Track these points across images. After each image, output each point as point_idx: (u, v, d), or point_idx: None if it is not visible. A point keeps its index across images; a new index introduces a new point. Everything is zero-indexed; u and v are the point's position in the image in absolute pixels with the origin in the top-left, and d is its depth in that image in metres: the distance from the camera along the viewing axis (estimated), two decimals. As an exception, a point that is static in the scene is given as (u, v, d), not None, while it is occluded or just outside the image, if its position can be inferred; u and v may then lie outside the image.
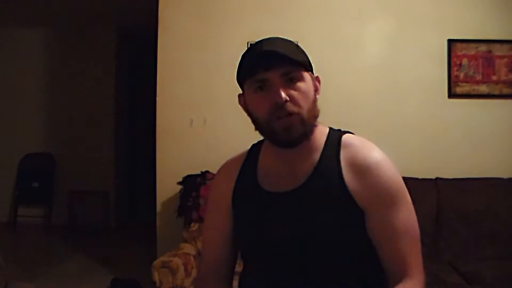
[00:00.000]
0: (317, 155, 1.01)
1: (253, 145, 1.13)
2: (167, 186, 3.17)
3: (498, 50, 3.20)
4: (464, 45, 3.20)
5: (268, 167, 1.05)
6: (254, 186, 1.05)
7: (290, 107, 0.94)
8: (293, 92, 0.95)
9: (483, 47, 3.20)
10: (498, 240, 2.80)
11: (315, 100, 1.00)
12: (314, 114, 0.99)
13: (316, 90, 1.02)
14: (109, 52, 5.40)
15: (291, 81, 0.96)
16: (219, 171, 1.16)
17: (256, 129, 1.02)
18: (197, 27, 3.27)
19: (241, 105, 1.06)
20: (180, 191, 3.02)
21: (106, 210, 5.25)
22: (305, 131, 0.97)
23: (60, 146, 5.38)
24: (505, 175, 3.02)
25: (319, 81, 1.04)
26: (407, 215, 0.96)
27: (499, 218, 2.83)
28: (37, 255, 4.21)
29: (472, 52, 3.21)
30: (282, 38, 1.02)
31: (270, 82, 0.95)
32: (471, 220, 2.84)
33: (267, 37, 1.03)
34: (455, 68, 3.21)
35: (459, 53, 3.21)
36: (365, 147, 1.00)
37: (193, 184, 2.96)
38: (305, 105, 0.96)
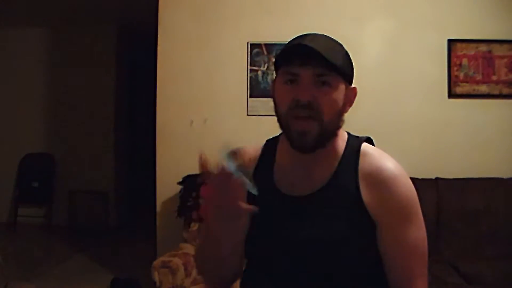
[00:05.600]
0: (335, 162, 1.00)
1: (268, 141, 1.11)
2: (167, 186, 3.17)
3: (498, 50, 3.20)
4: (464, 45, 3.21)
5: (284, 168, 1.04)
6: (271, 187, 1.03)
7: (311, 110, 0.93)
8: (320, 96, 0.93)
9: (483, 47, 3.20)
10: (498, 240, 2.80)
11: (341, 112, 0.98)
12: (336, 125, 0.97)
13: (348, 102, 0.99)
14: (109, 52, 5.40)
15: (322, 84, 0.93)
16: None
17: (278, 121, 1.00)
18: (197, 27, 3.27)
19: (272, 90, 1.03)
20: (180, 191, 3.02)
21: (106, 210, 5.25)
22: (321, 140, 0.95)
23: (60, 146, 5.38)
24: (505, 175, 3.03)
25: (355, 94, 1.01)
26: (418, 232, 0.96)
27: (499, 218, 2.84)
28: (37, 255, 4.21)
29: (472, 52, 3.21)
30: (333, 40, 1.00)
31: (301, 78, 0.94)
32: (471, 220, 2.84)
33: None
34: (455, 68, 3.21)
35: (459, 53, 3.21)
36: (382, 159, 0.99)
37: (193, 184, 2.96)
38: (328, 113, 0.94)
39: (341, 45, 1.00)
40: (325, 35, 1.00)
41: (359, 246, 0.94)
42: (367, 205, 0.95)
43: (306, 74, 0.93)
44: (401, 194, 0.95)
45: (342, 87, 0.96)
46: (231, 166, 0.85)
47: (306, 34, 0.98)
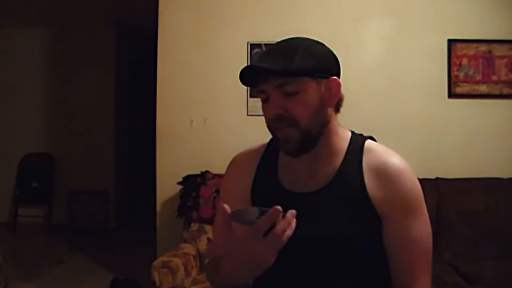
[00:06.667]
0: (339, 159, 1.00)
1: (272, 139, 1.11)
2: (167, 186, 3.17)
3: (498, 50, 3.20)
4: (464, 45, 3.21)
5: (288, 165, 1.04)
6: (275, 184, 1.04)
7: (284, 121, 0.94)
8: (289, 105, 0.94)
9: (483, 47, 3.20)
10: (498, 240, 2.80)
11: (321, 109, 0.97)
12: (319, 123, 0.97)
13: (331, 96, 0.98)
14: (109, 52, 5.40)
15: (288, 93, 0.94)
16: (234, 161, 1.14)
17: None
18: (197, 27, 3.27)
19: None
20: (180, 191, 3.02)
21: (106, 210, 5.25)
22: (306, 144, 0.96)
23: (60, 146, 5.38)
24: (505, 175, 3.03)
25: (336, 85, 0.99)
26: (422, 227, 0.96)
27: (499, 218, 2.83)
28: (37, 255, 4.21)
29: (472, 52, 3.21)
30: (292, 42, 0.98)
31: (268, 94, 0.96)
32: (471, 220, 2.84)
33: (278, 40, 1.00)
34: (455, 68, 3.21)
35: (459, 53, 3.21)
36: (387, 154, 1.00)
37: (193, 184, 2.96)
38: (303, 118, 0.94)
39: (305, 44, 0.97)
40: (285, 40, 0.99)
41: (364, 241, 0.95)
42: (373, 199, 0.95)
43: (270, 88, 0.95)
44: (407, 189, 0.96)
45: (312, 86, 0.95)
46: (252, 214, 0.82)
47: (265, 51, 0.99)
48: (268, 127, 0.99)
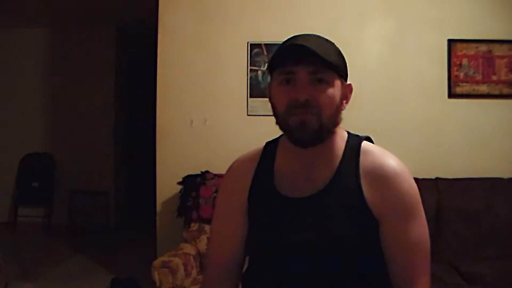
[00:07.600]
0: (336, 161, 1.00)
1: (268, 143, 1.10)
2: (167, 186, 3.17)
3: (498, 50, 3.20)
4: (464, 45, 3.20)
5: (285, 170, 1.03)
6: (271, 190, 1.02)
7: (310, 108, 0.93)
8: (317, 93, 0.93)
9: (483, 47, 3.20)
10: (498, 240, 2.80)
11: (339, 108, 0.98)
12: (334, 121, 0.98)
13: (345, 99, 1.00)
14: (109, 52, 5.40)
15: (318, 82, 0.93)
16: (231, 169, 1.12)
17: (276, 123, 1.00)
18: (197, 27, 3.27)
19: (267, 94, 1.03)
20: (180, 191, 3.02)
21: (106, 210, 5.25)
22: (320, 134, 0.95)
23: (60, 146, 5.38)
24: (505, 175, 3.03)
25: (350, 90, 1.01)
26: (420, 229, 0.96)
27: (499, 218, 2.83)
28: (37, 255, 4.21)
29: (472, 52, 3.21)
30: (324, 38, 0.99)
31: (297, 77, 0.94)
32: (471, 220, 2.84)
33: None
34: (455, 68, 3.21)
35: (459, 53, 3.21)
36: (384, 156, 0.99)
37: (193, 184, 2.96)
38: (326, 109, 0.94)
39: (333, 43, 1.01)
40: (316, 35, 1.00)
41: (362, 245, 0.95)
42: (369, 203, 0.95)
43: (302, 72, 0.93)
44: (403, 191, 0.96)
45: (338, 83, 0.97)
46: None
47: (297, 35, 0.98)
48: (285, 110, 0.95)
